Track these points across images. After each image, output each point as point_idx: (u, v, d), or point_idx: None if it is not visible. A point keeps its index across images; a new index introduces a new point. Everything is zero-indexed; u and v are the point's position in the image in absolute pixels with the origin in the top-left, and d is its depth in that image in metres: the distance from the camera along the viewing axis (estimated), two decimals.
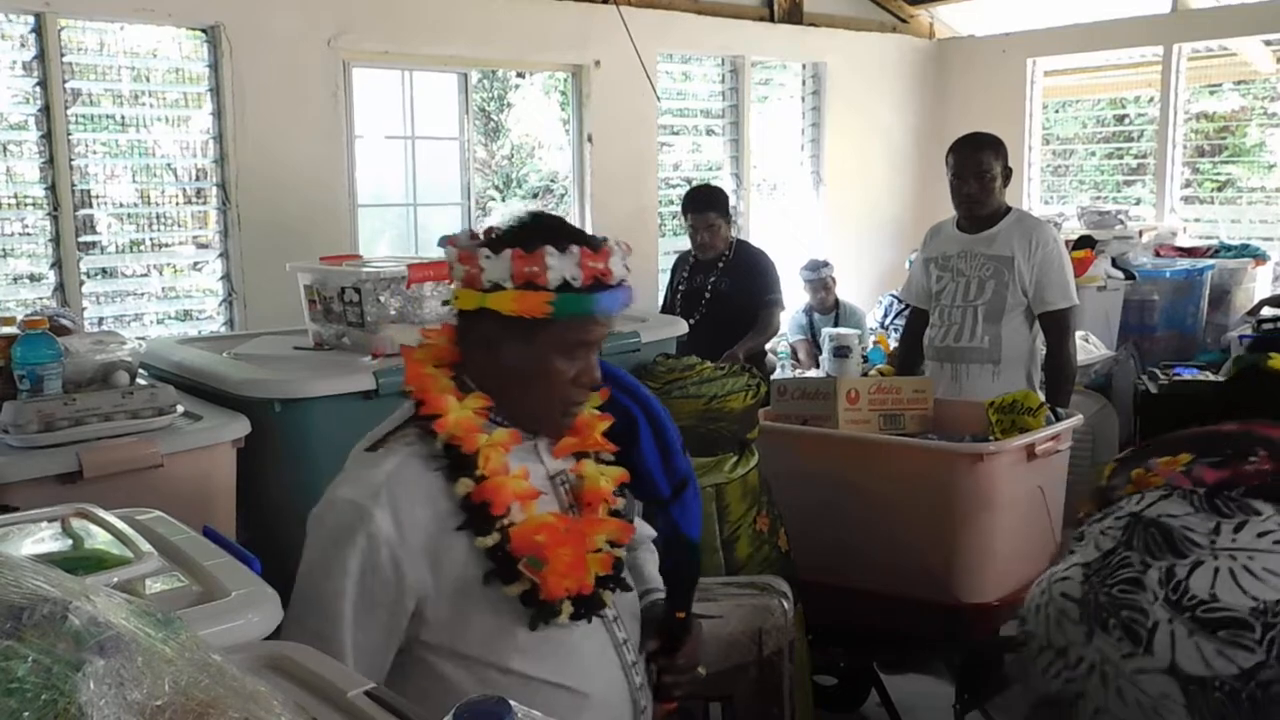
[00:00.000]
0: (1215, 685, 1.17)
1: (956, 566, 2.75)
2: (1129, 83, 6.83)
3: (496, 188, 8.40)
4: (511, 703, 0.74)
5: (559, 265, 1.37)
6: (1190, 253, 5.70)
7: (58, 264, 4.07)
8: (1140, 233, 5.85)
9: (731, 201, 5.21)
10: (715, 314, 4.23)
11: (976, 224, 3.45)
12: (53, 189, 4.02)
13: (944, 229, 3.58)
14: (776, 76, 6.58)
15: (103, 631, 0.75)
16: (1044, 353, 3.43)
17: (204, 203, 4.47)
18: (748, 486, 2.75)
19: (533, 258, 1.37)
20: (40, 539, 1.46)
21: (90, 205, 4.20)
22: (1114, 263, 5.34)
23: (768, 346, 4.67)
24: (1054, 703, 1.32)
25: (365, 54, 4.76)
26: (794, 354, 5.74)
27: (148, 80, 4.32)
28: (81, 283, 4.12)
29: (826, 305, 5.75)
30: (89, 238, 4.19)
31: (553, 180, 7.55)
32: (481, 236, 1.46)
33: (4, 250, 4.11)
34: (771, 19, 6.19)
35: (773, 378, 3.86)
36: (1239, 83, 6.56)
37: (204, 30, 4.32)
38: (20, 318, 2.41)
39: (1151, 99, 6.42)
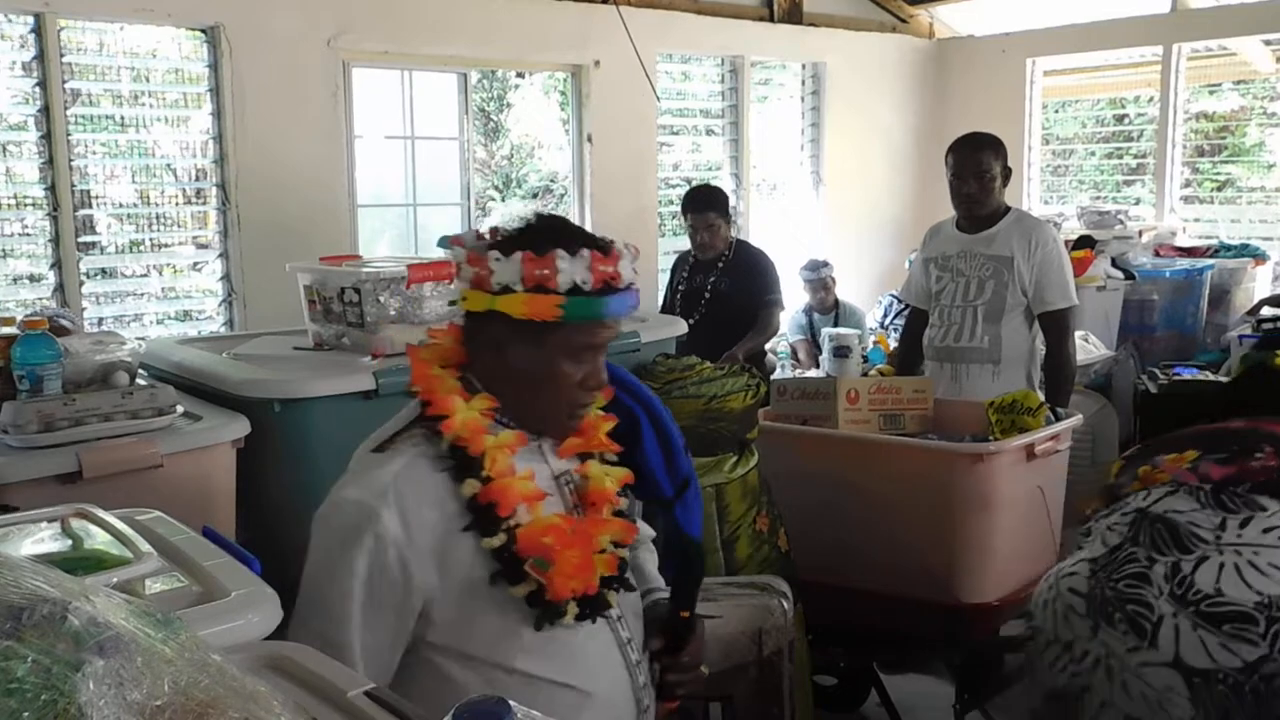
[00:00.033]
0: (1219, 678, 1.17)
1: (956, 566, 2.75)
2: (1129, 83, 6.83)
3: (496, 188, 8.40)
4: (511, 703, 0.74)
5: (570, 268, 1.37)
6: (1190, 253, 5.70)
7: (57, 264, 4.07)
8: (1140, 233, 5.85)
9: (731, 201, 5.21)
10: (715, 314, 4.23)
11: (976, 224, 3.45)
12: (52, 189, 4.02)
13: (944, 229, 3.58)
14: (776, 76, 6.58)
15: (102, 632, 0.75)
16: (1044, 353, 3.43)
17: (204, 203, 4.47)
18: (748, 486, 2.75)
19: (543, 261, 1.36)
20: (40, 539, 1.46)
21: (90, 205, 4.20)
22: (1114, 263, 5.34)
23: (768, 346, 4.67)
24: (1061, 697, 1.33)
25: (365, 54, 4.76)
26: (794, 354, 5.74)
27: (147, 80, 4.31)
28: (81, 283, 4.12)
29: (826, 305, 5.75)
30: (89, 238, 4.19)
31: (552, 180, 7.55)
32: (489, 238, 1.46)
33: (4, 250, 4.11)
34: (771, 19, 6.19)
35: (773, 378, 3.86)
36: (1239, 82, 6.56)
37: (204, 30, 4.32)
38: (20, 318, 2.42)
39: (1151, 99, 6.42)
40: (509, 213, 8.15)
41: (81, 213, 4.13)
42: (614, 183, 5.58)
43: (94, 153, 4.21)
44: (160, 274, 4.63)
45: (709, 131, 6.22)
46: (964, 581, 2.75)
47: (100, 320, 4.18)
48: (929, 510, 2.75)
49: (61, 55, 4.01)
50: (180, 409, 2.31)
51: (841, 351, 4.71)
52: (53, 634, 0.73)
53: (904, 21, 6.92)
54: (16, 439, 2.08)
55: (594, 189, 5.53)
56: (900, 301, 5.41)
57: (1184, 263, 5.54)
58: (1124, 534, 1.32)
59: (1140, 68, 6.51)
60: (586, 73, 5.45)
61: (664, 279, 4.95)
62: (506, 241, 1.41)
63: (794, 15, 6.27)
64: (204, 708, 0.76)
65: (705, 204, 4.34)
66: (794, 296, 5.51)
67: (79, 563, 1.33)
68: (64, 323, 2.69)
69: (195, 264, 4.61)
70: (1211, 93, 6.63)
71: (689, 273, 4.42)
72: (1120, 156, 6.94)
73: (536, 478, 1.45)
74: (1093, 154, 7.16)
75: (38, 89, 3.97)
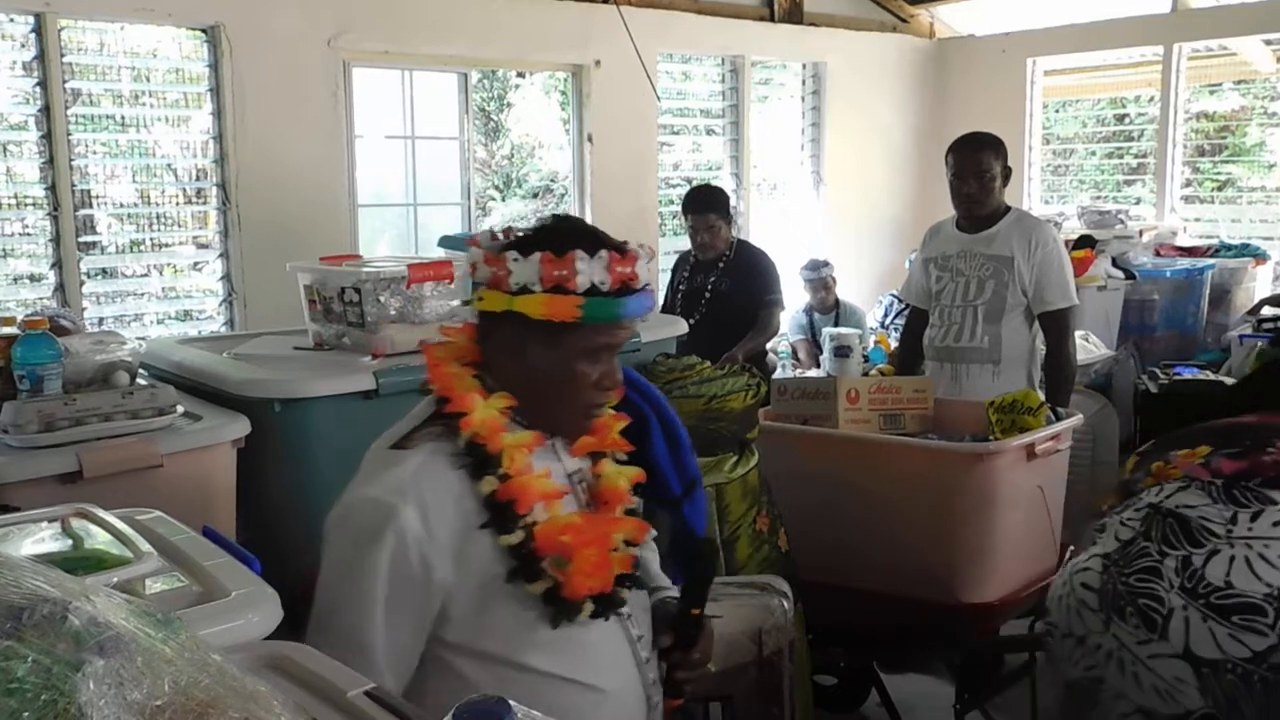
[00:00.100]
0: (1227, 668, 1.19)
1: (957, 566, 2.75)
2: (1129, 82, 6.84)
3: (496, 188, 8.40)
4: (511, 702, 0.74)
5: (588, 269, 1.37)
6: (1190, 252, 5.70)
7: (58, 264, 4.07)
8: (1140, 232, 5.85)
9: (732, 201, 5.21)
10: (715, 314, 4.23)
11: (976, 224, 3.45)
12: (53, 189, 4.03)
13: (943, 229, 3.58)
14: (776, 76, 6.58)
15: (102, 632, 0.75)
16: (1044, 352, 3.43)
17: (204, 203, 4.47)
18: (748, 486, 2.75)
19: (562, 261, 1.36)
20: (40, 539, 1.46)
21: (90, 205, 4.20)
22: (1114, 262, 5.34)
23: (768, 346, 4.67)
24: (1076, 690, 1.34)
25: (365, 54, 4.76)
26: (794, 354, 5.75)
27: (148, 80, 4.32)
28: (81, 283, 4.12)
29: (827, 305, 5.75)
30: (89, 238, 4.19)
31: (553, 180, 7.55)
32: (503, 238, 1.46)
33: (4, 250, 4.11)
34: (771, 19, 6.19)
35: (773, 378, 3.86)
36: (1239, 82, 6.56)
37: (204, 30, 4.32)
38: (20, 318, 2.42)
39: (1151, 98, 6.42)
40: (509, 213, 8.16)
41: (82, 212, 4.14)
42: (614, 182, 5.58)
43: (94, 152, 4.21)
44: (160, 274, 4.63)
45: (709, 131, 6.22)
46: (964, 581, 2.74)
47: (101, 320, 4.18)
48: (929, 510, 2.75)
49: (62, 55, 4.01)
50: (180, 409, 2.31)
51: (842, 351, 4.71)
52: (53, 634, 0.73)
53: (904, 21, 6.92)
54: (17, 439, 2.08)
55: (594, 189, 5.53)
56: (900, 301, 5.41)
57: (1184, 262, 5.55)
58: (1136, 529, 1.34)
59: (1141, 67, 6.51)
60: (587, 72, 5.45)
61: (664, 279, 4.95)
62: (524, 242, 1.41)
63: (794, 15, 6.28)
64: (204, 708, 0.76)
65: (706, 204, 4.34)
66: (794, 296, 5.51)
67: (79, 563, 1.33)
68: (64, 322, 2.69)
69: (195, 264, 4.61)
70: (1212, 93, 6.63)
71: (689, 273, 4.41)
72: (1121, 156, 6.94)
73: (551, 476, 1.45)
74: (1093, 154, 7.16)
75: (38, 89, 3.98)
